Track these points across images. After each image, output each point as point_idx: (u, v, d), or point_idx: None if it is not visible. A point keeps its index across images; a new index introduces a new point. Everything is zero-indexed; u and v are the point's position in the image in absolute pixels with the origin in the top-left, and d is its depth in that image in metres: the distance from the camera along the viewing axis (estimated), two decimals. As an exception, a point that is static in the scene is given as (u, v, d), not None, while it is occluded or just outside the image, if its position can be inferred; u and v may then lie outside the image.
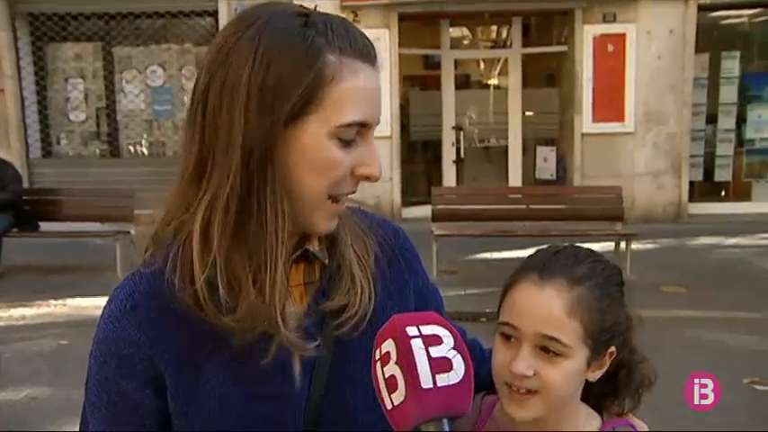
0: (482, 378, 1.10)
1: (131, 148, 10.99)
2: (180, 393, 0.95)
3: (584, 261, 1.08)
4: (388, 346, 0.85)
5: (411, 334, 0.84)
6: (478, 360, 1.20)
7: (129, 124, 10.91)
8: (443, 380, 0.82)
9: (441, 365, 0.83)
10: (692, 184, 10.26)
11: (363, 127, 0.92)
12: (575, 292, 1.04)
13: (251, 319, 0.90)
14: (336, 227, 1.00)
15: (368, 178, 0.95)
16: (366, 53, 0.92)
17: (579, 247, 1.13)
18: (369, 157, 0.94)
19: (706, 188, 10.73)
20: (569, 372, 1.04)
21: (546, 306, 1.03)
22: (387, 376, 0.84)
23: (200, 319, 0.92)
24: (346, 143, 0.91)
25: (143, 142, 10.96)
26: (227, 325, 0.91)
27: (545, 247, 1.13)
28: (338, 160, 0.91)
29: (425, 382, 0.82)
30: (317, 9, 0.94)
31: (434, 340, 0.84)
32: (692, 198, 10.24)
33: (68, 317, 6.10)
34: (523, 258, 1.14)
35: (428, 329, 0.85)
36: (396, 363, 0.83)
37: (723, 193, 10.90)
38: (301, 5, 0.94)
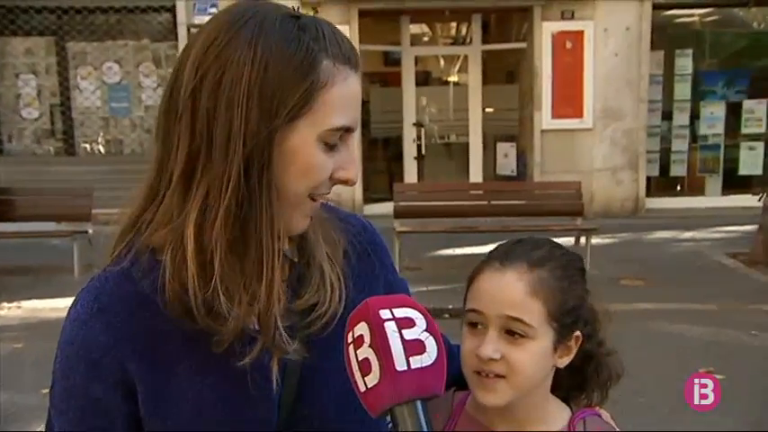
0: (451, 373, 1.11)
1: (87, 147, 10.77)
2: (151, 396, 0.93)
3: (544, 246, 1.12)
4: (362, 328, 0.85)
5: (384, 317, 0.84)
6: (447, 353, 1.21)
7: (84, 122, 10.70)
8: (417, 362, 0.83)
9: (414, 348, 0.83)
10: (648, 179, 10.48)
11: (347, 132, 0.93)
12: (535, 273, 1.07)
13: (244, 325, 0.90)
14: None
15: (345, 182, 0.96)
16: (353, 59, 0.94)
17: (539, 237, 1.17)
18: (348, 162, 0.95)
19: (662, 183, 10.98)
20: (536, 353, 1.06)
21: (508, 288, 1.06)
22: (360, 359, 0.85)
23: (171, 319, 0.91)
24: (330, 147, 0.92)
25: (100, 140, 10.76)
26: (218, 331, 0.90)
27: (506, 241, 1.16)
28: (321, 164, 0.92)
29: (399, 364, 0.82)
30: (299, 9, 0.94)
31: (407, 323, 0.85)
32: (649, 193, 10.46)
33: (23, 320, 5.96)
34: (486, 253, 1.15)
35: (401, 312, 0.86)
36: (369, 345, 0.84)
37: (679, 188, 11.16)
38: (291, 6, 0.94)
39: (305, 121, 0.89)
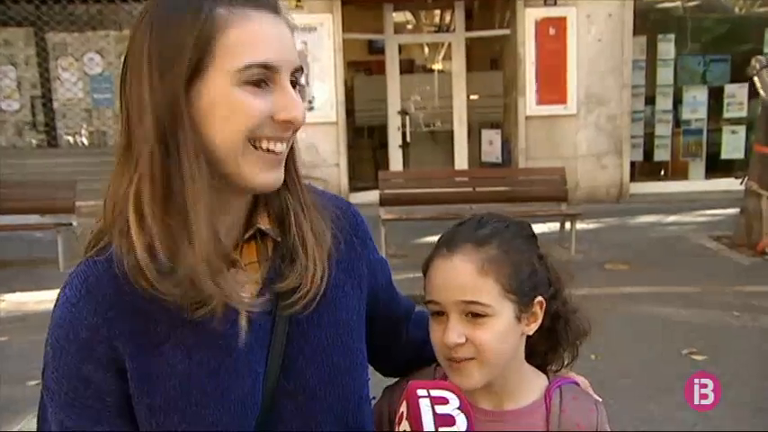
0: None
1: (70, 138, 10.68)
2: (140, 373, 0.95)
3: (488, 224, 1.13)
4: (403, 406, 1.01)
5: (420, 394, 1.00)
6: (428, 330, 1.23)
7: (66, 113, 10.60)
8: None
9: (445, 420, 0.98)
10: (632, 164, 10.54)
11: (269, 70, 0.92)
12: (481, 253, 1.08)
13: (191, 280, 0.91)
14: (287, 200, 1.02)
15: (289, 122, 0.95)
16: (260, 1, 0.93)
17: (483, 214, 1.18)
18: (287, 101, 0.94)
19: (646, 168, 11.04)
20: (499, 330, 1.08)
21: (458, 274, 1.08)
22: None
23: (156, 298, 0.93)
24: (257, 88, 0.92)
25: (83, 132, 10.67)
26: (170, 292, 0.91)
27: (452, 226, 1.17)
28: (248, 105, 0.91)
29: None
30: None
31: (441, 400, 1.00)
32: (633, 178, 10.52)
33: (8, 313, 5.92)
34: None
35: (437, 392, 1.00)
36: (407, 418, 0.99)
37: (662, 173, 11.23)
38: None
39: (212, 70, 0.90)
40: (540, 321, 1.14)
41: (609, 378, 3.88)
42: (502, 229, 1.12)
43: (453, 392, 1.01)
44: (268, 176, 0.96)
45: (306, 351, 1.02)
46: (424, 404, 0.98)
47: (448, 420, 0.98)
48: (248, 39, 0.91)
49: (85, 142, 10.68)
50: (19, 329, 5.25)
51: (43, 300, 5.77)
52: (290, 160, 1.02)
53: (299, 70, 0.96)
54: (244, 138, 0.92)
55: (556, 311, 1.17)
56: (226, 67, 0.90)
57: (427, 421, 0.97)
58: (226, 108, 0.91)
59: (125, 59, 0.94)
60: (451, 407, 0.99)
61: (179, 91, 0.90)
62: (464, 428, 0.98)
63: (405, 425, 0.99)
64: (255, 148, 0.94)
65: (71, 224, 7.10)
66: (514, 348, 1.12)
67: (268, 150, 0.95)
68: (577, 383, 1.21)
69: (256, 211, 1.03)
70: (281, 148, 0.96)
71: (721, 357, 4.38)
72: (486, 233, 1.11)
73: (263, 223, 1.02)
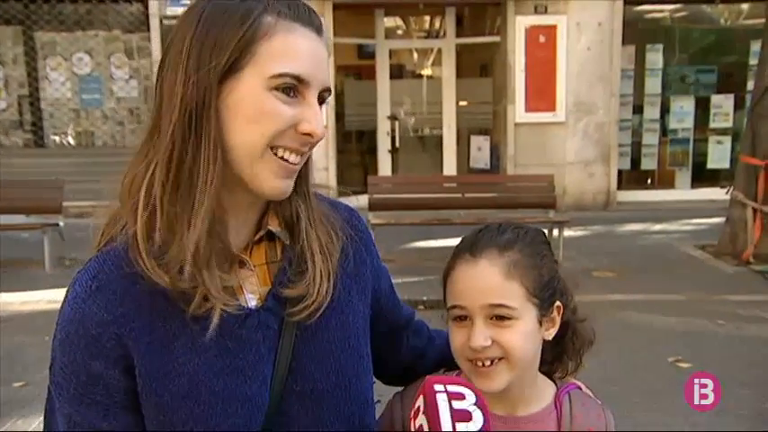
0: (435, 354, 1.20)
1: (57, 138, 10.61)
2: (149, 371, 0.95)
3: (508, 230, 1.15)
4: (419, 401, 1.01)
5: (437, 389, 1.00)
6: (428, 338, 1.30)
7: (54, 113, 10.53)
8: (462, 427, 0.98)
9: (461, 416, 0.99)
10: (620, 172, 10.61)
11: (301, 83, 0.94)
12: (506, 257, 1.10)
13: (180, 268, 0.92)
14: (297, 208, 1.04)
15: (309, 135, 0.96)
16: (306, 19, 0.96)
17: (500, 222, 1.20)
18: (311, 115, 0.96)
19: (633, 176, 11.13)
20: (524, 332, 1.09)
21: (484, 278, 1.09)
22: (416, 426, 1.01)
23: (168, 297, 0.94)
24: (287, 97, 0.94)
25: (70, 132, 10.60)
26: (159, 275, 0.92)
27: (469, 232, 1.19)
28: (276, 111, 0.93)
29: (445, 426, 0.97)
30: None
31: (458, 396, 1.00)
32: (620, 186, 10.60)
33: (-8, 314, 5.87)
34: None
35: (453, 388, 1.01)
36: (423, 413, 1.00)
37: (649, 181, 11.31)
38: None
39: (249, 70, 0.92)
40: (557, 327, 1.16)
41: (596, 385, 3.88)
42: (522, 235, 1.15)
43: (470, 389, 1.01)
44: (279, 184, 0.97)
45: (314, 353, 1.03)
46: (442, 399, 0.99)
47: (464, 416, 0.98)
48: (288, 49, 0.93)
49: (73, 142, 10.62)
50: (4, 331, 5.20)
51: (29, 301, 5.71)
52: (303, 172, 1.04)
53: (327, 90, 0.99)
54: (265, 143, 0.94)
55: (566, 320, 1.18)
56: (261, 71, 0.92)
57: (444, 416, 0.98)
58: (253, 108, 0.93)
59: (167, 46, 0.96)
60: (468, 402, 0.99)
61: (212, 85, 0.92)
62: (480, 424, 0.99)
63: (421, 419, 0.99)
64: (274, 154, 0.95)
65: (58, 224, 7.03)
66: (536, 352, 1.14)
67: (284, 159, 0.96)
68: (580, 388, 1.22)
69: (267, 214, 1.04)
70: (296, 159, 0.98)
71: (706, 365, 4.40)
72: (508, 238, 1.13)
73: (274, 226, 1.04)
